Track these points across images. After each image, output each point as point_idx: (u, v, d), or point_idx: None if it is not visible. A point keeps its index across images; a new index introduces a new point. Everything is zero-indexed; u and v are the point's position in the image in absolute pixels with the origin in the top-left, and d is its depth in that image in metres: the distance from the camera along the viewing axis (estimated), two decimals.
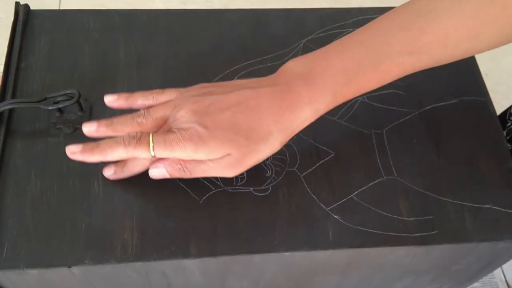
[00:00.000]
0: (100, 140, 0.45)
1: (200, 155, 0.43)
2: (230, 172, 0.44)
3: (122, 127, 0.45)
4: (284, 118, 0.44)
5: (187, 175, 0.45)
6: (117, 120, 0.46)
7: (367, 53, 0.44)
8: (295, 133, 0.45)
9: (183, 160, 0.44)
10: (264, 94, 0.44)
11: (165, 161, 0.45)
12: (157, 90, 0.48)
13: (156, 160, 0.45)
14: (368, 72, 0.45)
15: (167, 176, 0.45)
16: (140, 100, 0.47)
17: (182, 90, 0.47)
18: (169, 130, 0.44)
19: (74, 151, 0.45)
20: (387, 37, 0.44)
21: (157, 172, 0.45)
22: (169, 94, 0.47)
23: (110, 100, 0.48)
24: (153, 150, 0.43)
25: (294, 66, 0.46)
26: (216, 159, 0.44)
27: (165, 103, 0.46)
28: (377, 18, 0.47)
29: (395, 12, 0.46)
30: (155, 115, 0.45)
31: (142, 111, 0.46)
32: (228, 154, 0.43)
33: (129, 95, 0.48)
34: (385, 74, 0.45)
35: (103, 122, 0.46)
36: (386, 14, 0.46)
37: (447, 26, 0.43)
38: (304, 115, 0.44)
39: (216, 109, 0.43)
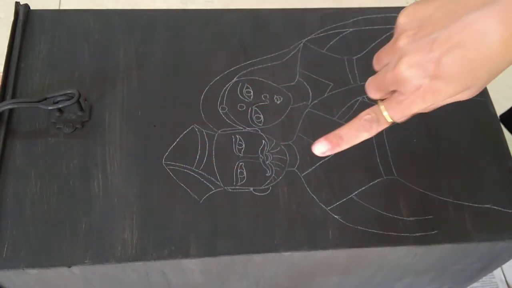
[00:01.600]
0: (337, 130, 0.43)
1: (439, 102, 0.39)
2: (466, 96, 0.39)
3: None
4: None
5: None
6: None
7: None
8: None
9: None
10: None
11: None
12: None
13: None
14: None
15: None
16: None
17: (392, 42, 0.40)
18: (397, 92, 0.39)
19: (323, 151, 0.43)
20: None
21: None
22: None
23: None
24: (393, 120, 0.41)
25: None
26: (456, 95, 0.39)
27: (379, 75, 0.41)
28: None
29: None
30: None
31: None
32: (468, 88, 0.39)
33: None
34: None
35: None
36: None
37: None
38: None
39: (443, 51, 0.36)
